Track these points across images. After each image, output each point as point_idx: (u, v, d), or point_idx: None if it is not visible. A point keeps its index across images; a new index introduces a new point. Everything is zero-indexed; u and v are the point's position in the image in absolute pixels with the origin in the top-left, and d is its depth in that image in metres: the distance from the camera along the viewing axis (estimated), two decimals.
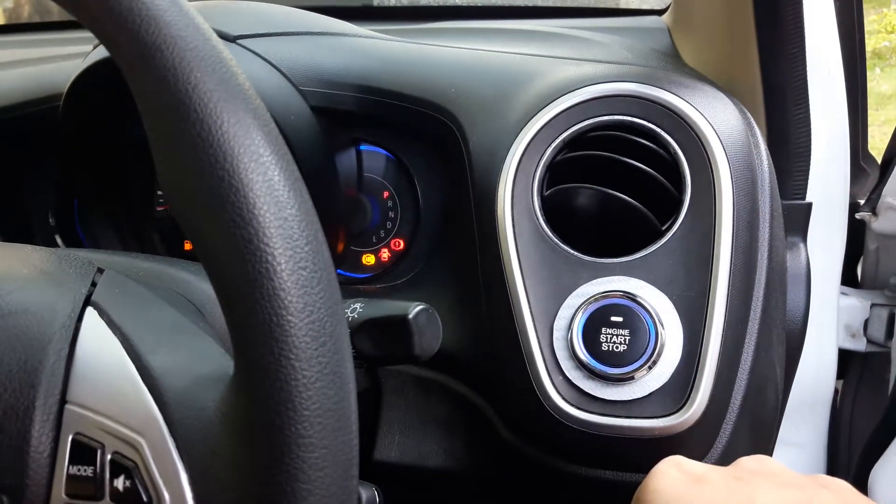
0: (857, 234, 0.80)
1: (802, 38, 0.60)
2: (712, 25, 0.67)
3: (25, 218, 0.75)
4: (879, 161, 0.80)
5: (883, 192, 0.73)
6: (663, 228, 0.49)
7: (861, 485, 0.83)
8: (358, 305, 0.45)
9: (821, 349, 0.80)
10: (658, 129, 0.50)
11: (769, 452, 0.59)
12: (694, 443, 0.47)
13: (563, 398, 0.47)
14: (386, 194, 0.71)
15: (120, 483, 0.29)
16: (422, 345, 0.44)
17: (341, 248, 0.69)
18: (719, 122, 0.50)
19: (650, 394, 0.46)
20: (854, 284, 0.86)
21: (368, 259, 0.71)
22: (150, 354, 0.32)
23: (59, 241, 0.77)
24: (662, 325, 0.46)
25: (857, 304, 0.83)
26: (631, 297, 0.46)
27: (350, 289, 0.69)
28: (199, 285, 0.46)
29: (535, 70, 0.58)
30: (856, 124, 0.74)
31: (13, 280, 0.35)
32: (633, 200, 0.49)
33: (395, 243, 0.70)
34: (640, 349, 0.46)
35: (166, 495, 0.28)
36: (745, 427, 0.50)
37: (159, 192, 0.74)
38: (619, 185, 0.50)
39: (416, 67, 0.62)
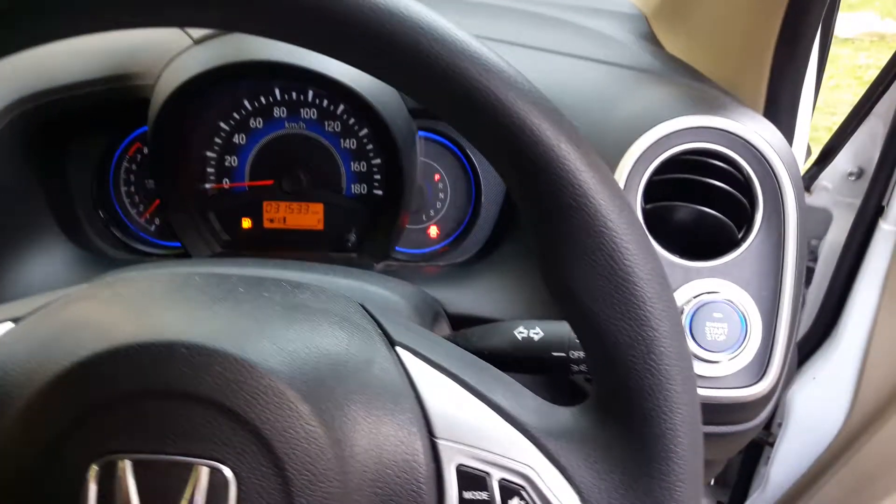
0: None
1: (808, 61, 0.73)
2: (722, 34, 0.79)
3: (67, 190, 0.73)
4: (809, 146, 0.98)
5: (820, 176, 0.90)
6: (740, 237, 0.61)
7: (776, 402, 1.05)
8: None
9: None
10: (735, 156, 0.61)
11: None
12: (759, 406, 0.61)
13: None
14: (437, 177, 0.77)
15: (514, 503, 0.37)
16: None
17: (405, 224, 0.75)
18: (778, 146, 0.63)
19: (738, 371, 0.59)
20: None
21: (420, 236, 0.78)
22: (488, 392, 0.39)
23: (101, 214, 0.76)
24: (749, 318, 0.59)
25: None
26: (726, 297, 0.59)
27: (411, 266, 0.76)
28: (398, 300, 0.53)
29: (615, 88, 0.67)
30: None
31: (337, 331, 0.40)
32: (720, 215, 0.61)
33: (446, 223, 0.78)
34: (734, 338, 0.58)
35: None
36: (783, 387, 0.65)
37: (209, 171, 0.75)
38: (699, 200, 0.62)
39: None
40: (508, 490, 0.37)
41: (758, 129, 0.62)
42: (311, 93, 0.73)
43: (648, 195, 0.61)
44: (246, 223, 0.76)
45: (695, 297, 0.59)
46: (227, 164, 0.75)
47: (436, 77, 0.34)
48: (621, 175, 0.61)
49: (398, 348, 0.39)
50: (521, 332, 0.50)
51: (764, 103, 0.77)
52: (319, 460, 0.35)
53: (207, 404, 0.34)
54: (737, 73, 0.78)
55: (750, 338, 0.59)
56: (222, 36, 0.65)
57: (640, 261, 0.35)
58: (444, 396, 0.38)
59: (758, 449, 1.17)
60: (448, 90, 0.34)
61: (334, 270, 0.54)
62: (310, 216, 0.75)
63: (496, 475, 0.37)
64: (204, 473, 0.34)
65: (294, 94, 0.73)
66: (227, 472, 0.34)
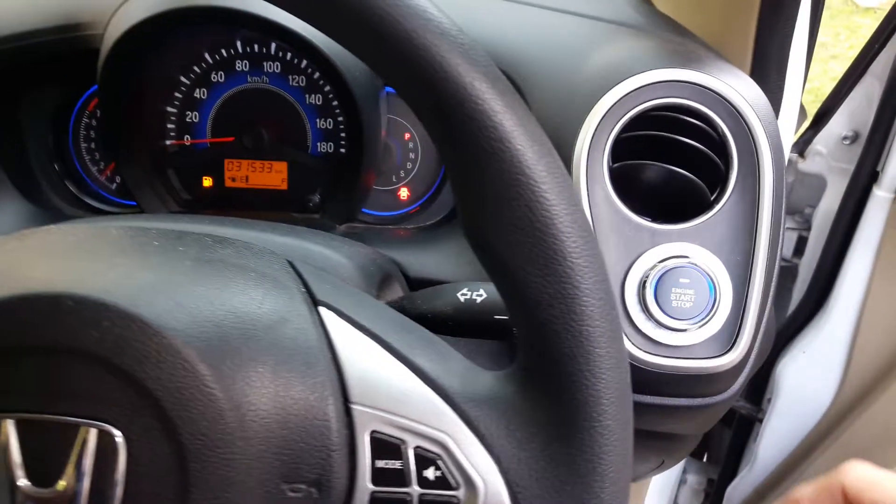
0: None
1: (796, 17, 0.69)
2: None
3: (21, 144, 0.71)
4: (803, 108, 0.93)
5: (814, 141, 0.86)
6: (713, 199, 0.58)
7: (765, 377, 1.02)
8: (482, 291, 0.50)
9: None
10: (710, 112, 0.58)
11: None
12: (729, 378, 0.58)
13: (633, 344, 0.56)
14: (408, 136, 0.74)
15: (430, 473, 0.34)
16: None
17: (371, 184, 0.73)
18: (755, 102, 0.59)
19: (705, 340, 0.56)
20: None
21: (390, 198, 0.75)
22: (412, 355, 0.36)
23: (56, 168, 0.74)
24: (718, 284, 0.56)
25: None
26: (694, 262, 0.56)
27: (380, 229, 0.73)
28: (340, 260, 0.50)
29: (589, 40, 0.63)
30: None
31: (252, 287, 0.37)
32: (689, 175, 0.57)
33: (417, 184, 0.75)
34: (702, 305, 0.55)
35: (480, 482, 0.34)
36: (758, 359, 0.62)
37: (170, 127, 0.72)
38: (671, 159, 0.58)
39: (470, 25, 0.65)
40: (424, 459, 0.35)
41: (734, 84, 0.58)
42: (273, 45, 0.70)
43: (617, 153, 0.58)
44: (207, 182, 0.73)
45: (660, 262, 0.56)
46: (188, 119, 0.72)
47: (345, 11, 0.31)
48: (588, 131, 0.57)
49: (321, 308, 0.37)
50: (463, 294, 0.47)
51: (751, 62, 0.73)
52: (216, 424, 0.33)
53: (94, 361, 0.32)
54: (723, 29, 0.74)
55: (719, 305, 0.56)
56: None
57: (560, 212, 0.32)
58: (363, 359, 0.36)
59: (748, 425, 1.14)
60: (359, 26, 0.31)
61: (275, 228, 0.51)
62: (273, 175, 0.73)
63: (412, 443, 0.35)
64: (92, 435, 0.32)
65: (256, 47, 0.70)
66: (117, 434, 0.32)
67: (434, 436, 0.34)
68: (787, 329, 0.95)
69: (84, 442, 0.32)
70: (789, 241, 0.99)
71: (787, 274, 1.01)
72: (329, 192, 0.73)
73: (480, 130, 0.31)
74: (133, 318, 0.33)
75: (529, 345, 0.34)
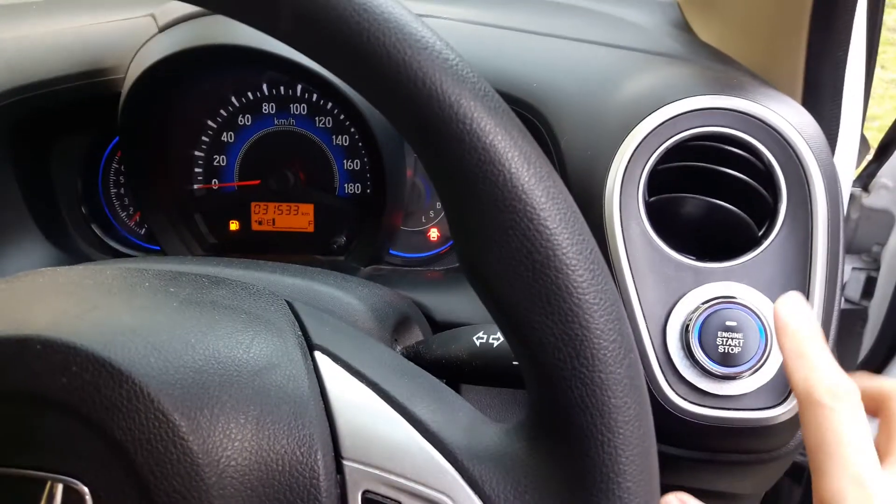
0: None
1: (849, 42, 0.64)
2: (752, 15, 0.71)
3: (49, 188, 0.71)
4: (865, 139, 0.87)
5: (879, 174, 0.80)
6: (760, 234, 0.53)
7: None
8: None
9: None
10: (754, 141, 0.53)
11: None
12: (786, 431, 0.53)
13: (677, 393, 0.51)
14: None
15: None
16: None
17: (398, 225, 0.70)
18: (805, 130, 0.54)
19: (757, 389, 0.51)
20: None
21: (420, 239, 0.72)
22: (412, 405, 0.33)
23: (83, 211, 0.73)
24: (769, 327, 0.51)
25: None
26: (742, 303, 0.51)
27: (409, 272, 0.70)
28: (350, 301, 0.47)
29: (621, 69, 0.60)
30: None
31: (241, 330, 0.34)
32: (734, 209, 0.53)
33: (446, 225, 0.72)
34: (752, 350, 0.50)
35: None
36: None
37: (197, 171, 0.71)
38: (714, 192, 0.54)
39: (499, 58, 0.62)
40: None
41: (780, 110, 0.54)
42: (300, 87, 0.69)
43: (653, 187, 0.54)
44: (233, 225, 0.72)
45: (705, 304, 0.51)
46: (215, 163, 0.71)
47: (324, 30, 0.29)
48: (620, 163, 0.53)
49: (316, 352, 0.34)
50: (479, 338, 0.43)
51: (802, 91, 0.69)
52: (191, 480, 0.30)
53: (62, 409, 0.30)
54: (770, 58, 0.69)
55: (772, 350, 0.50)
56: (184, 23, 0.61)
57: (562, 241, 0.28)
58: (358, 409, 0.32)
59: None
60: (338, 44, 0.29)
61: (285, 269, 0.49)
62: (300, 218, 0.71)
63: None
64: (59, 491, 0.29)
65: (283, 89, 0.69)
66: (84, 490, 0.30)
67: (434, 497, 0.31)
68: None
69: (51, 497, 0.30)
70: (857, 281, 0.92)
71: (855, 318, 0.94)
72: (355, 234, 0.70)
73: (469, 152, 0.28)
74: (103, 362, 0.30)
75: (538, 393, 0.30)
